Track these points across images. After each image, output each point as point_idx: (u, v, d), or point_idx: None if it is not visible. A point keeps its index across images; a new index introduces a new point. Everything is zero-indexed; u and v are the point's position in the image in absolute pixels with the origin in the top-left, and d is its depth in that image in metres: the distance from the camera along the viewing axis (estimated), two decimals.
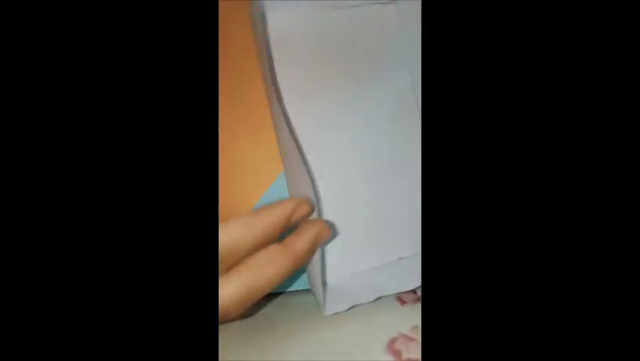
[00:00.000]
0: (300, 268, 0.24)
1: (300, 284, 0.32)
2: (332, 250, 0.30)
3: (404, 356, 0.24)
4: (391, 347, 0.25)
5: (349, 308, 0.28)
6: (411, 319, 0.26)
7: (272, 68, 0.30)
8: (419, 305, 0.28)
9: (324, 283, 0.29)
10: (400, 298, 0.29)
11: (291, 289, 0.32)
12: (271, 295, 0.31)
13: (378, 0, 0.32)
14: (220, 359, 0.25)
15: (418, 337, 0.25)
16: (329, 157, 0.31)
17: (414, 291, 0.30)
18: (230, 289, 0.20)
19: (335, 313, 0.28)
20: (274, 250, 0.22)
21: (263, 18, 0.30)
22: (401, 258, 0.31)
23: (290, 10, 0.30)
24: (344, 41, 0.32)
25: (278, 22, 0.30)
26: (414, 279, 0.29)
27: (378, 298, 0.28)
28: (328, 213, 0.30)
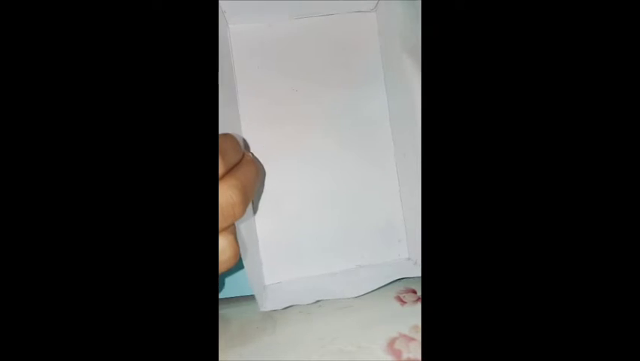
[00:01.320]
0: None
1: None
2: (283, 252, 0.31)
3: (404, 356, 0.24)
4: (391, 347, 0.25)
5: (287, 307, 0.28)
6: (411, 319, 0.26)
7: (232, 80, 0.30)
8: (419, 305, 0.28)
9: (264, 285, 0.30)
10: (400, 298, 0.29)
11: None
12: None
13: (357, 8, 0.31)
14: (220, 359, 0.25)
15: (418, 337, 0.25)
16: (293, 168, 0.31)
17: (414, 291, 0.30)
18: (231, 192, 0.21)
19: (327, 312, 0.28)
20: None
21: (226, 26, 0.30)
22: (359, 266, 0.31)
23: (257, 19, 0.30)
24: (316, 50, 0.31)
25: (241, 32, 0.30)
26: (363, 286, 0.29)
27: (317, 301, 0.28)
28: (294, 215, 0.31)
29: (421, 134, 0.25)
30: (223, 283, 0.31)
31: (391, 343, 0.25)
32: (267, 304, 0.28)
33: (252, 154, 0.27)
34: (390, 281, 0.28)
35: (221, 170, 0.20)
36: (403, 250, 0.31)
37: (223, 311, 0.30)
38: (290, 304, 0.28)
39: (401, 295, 0.29)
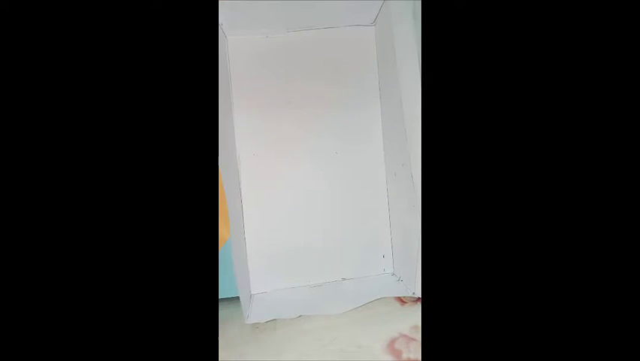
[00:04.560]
0: None
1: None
2: (270, 263, 0.31)
3: (404, 356, 0.24)
4: (391, 347, 0.25)
5: (269, 321, 0.28)
6: (411, 319, 0.26)
7: (229, 91, 0.30)
8: (419, 305, 0.28)
9: (250, 294, 0.30)
10: (400, 298, 0.29)
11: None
12: None
13: (355, 22, 0.31)
14: (220, 359, 0.25)
15: (418, 337, 0.25)
16: (283, 180, 0.31)
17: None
18: None
19: (326, 314, 0.28)
20: None
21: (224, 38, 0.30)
22: (344, 279, 0.31)
23: (254, 31, 0.30)
24: (312, 63, 0.31)
25: (239, 43, 0.31)
26: (346, 304, 0.29)
27: (300, 316, 0.28)
28: (282, 227, 0.31)
29: (411, 151, 0.26)
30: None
31: (391, 343, 0.25)
32: (251, 316, 0.28)
33: None
34: (372, 300, 0.29)
35: None
36: (388, 266, 0.32)
37: (223, 311, 0.30)
38: (273, 318, 0.28)
39: (401, 296, 0.29)
